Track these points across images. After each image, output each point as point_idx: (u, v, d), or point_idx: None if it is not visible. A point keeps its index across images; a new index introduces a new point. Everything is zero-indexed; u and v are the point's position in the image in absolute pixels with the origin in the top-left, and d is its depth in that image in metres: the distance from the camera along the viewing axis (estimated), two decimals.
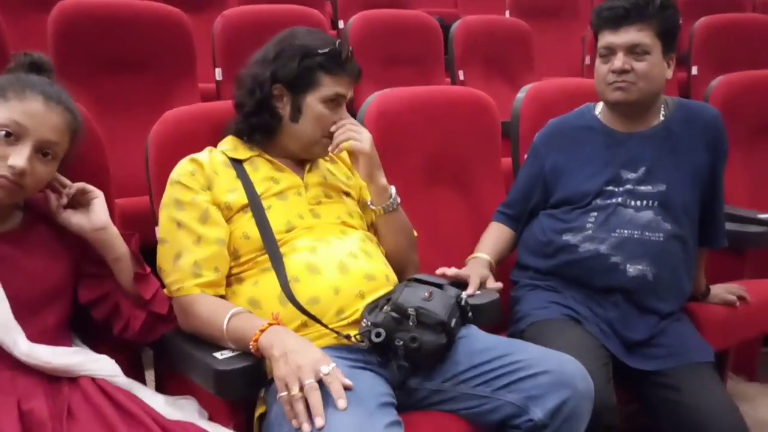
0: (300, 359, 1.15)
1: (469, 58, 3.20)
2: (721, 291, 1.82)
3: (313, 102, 1.46)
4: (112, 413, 1.13)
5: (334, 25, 3.90)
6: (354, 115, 1.92)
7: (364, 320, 1.30)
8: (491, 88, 3.07)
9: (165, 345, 1.35)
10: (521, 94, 2.18)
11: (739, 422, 1.45)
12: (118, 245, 1.29)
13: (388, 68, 2.93)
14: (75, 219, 1.27)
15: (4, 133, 1.16)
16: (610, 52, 1.60)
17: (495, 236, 1.78)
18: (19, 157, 1.16)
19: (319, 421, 1.08)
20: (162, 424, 1.14)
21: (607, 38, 1.60)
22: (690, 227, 1.62)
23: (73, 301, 1.31)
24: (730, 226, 2.17)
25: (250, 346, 1.22)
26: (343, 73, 1.48)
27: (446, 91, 2.06)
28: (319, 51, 1.46)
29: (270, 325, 1.23)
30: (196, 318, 1.32)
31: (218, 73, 2.55)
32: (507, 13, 4.29)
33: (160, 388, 1.45)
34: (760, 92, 2.62)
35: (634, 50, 1.57)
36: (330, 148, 1.46)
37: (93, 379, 1.21)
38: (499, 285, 1.57)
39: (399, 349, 1.27)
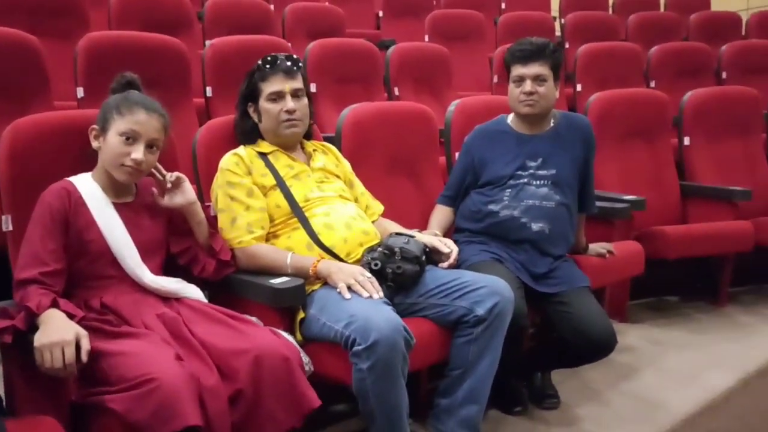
0: (350, 269, 1.86)
1: (402, 77, 3.88)
2: (596, 247, 2.59)
3: (263, 104, 2.09)
4: (216, 314, 1.74)
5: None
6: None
7: (365, 257, 1.96)
8: (421, 102, 3.77)
9: (229, 281, 1.94)
10: (452, 107, 2.90)
11: (608, 323, 2.18)
12: (200, 213, 1.89)
13: (340, 85, 3.56)
14: (176, 199, 1.84)
15: (125, 137, 1.74)
16: (521, 79, 2.33)
17: (439, 216, 2.47)
18: (137, 153, 1.74)
19: (375, 295, 1.78)
20: (248, 319, 1.75)
21: (519, 70, 2.33)
22: (572, 198, 2.37)
23: (167, 251, 1.90)
24: (603, 203, 2.97)
25: (310, 271, 1.87)
26: (273, 75, 2.07)
27: (401, 105, 2.74)
28: (255, 68, 2.10)
29: (321, 258, 1.90)
30: (260, 259, 1.94)
31: (208, 91, 3.15)
32: (426, 37, 5.02)
33: None
34: (626, 105, 3.45)
35: (537, 79, 2.31)
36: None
37: (191, 300, 1.81)
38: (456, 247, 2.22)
39: (389, 275, 1.93)
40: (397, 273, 1.94)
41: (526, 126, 2.41)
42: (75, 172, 1.79)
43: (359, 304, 1.76)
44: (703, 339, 2.98)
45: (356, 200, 2.23)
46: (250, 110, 2.12)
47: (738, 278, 3.45)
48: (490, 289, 1.94)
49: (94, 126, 1.77)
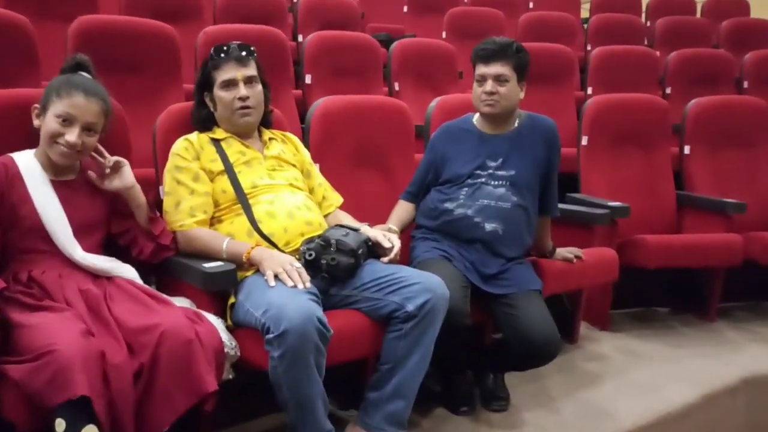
0: (281, 258, 1.88)
1: (403, 73, 3.89)
2: (563, 251, 2.55)
3: (217, 92, 2.12)
4: (139, 294, 1.79)
5: (295, 38, 4.56)
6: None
7: (302, 246, 1.98)
8: (421, 98, 3.78)
9: (167, 263, 2.00)
10: (432, 104, 2.90)
11: (551, 329, 2.15)
12: (139, 197, 1.93)
13: (336, 79, 3.58)
14: (114, 183, 1.89)
15: (61, 119, 1.79)
16: (483, 79, 2.31)
17: (400, 211, 2.47)
18: (71, 135, 1.78)
19: (300, 285, 1.79)
20: (168, 300, 1.79)
21: (481, 69, 2.32)
22: (531, 201, 2.34)
23: (107, 231, 1.96)
24: (584, 208, 2.94)
25: (244, 257, 1.90)
26: (225, 63, 2.10)
27: (373, 99, 2.75)
28: (209, 58, 2.13)
29: (257, 245, 1.93)
30: (199, 242, 1.98)
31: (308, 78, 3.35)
32: (444, 34, 5.01)
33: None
34: (623, 110, 3.38)
35: (499, 78, 2.29)
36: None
37: (123, 279, 1.87)
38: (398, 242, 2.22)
39: (323, 266, 1.95)
40: (332, 264, 1.95)
41: (489, 125, 2.39)
42: (24, 148, 1.86)
43: (279, 292, 1.78)
44: (678, 353, 2.90)
45: (312, 191, 2.25)
46: (206, 99, 2.16)
47: (733, 293, 3.35)
48: (423, 285, 1.93)
49: (36, 105, 1.84)
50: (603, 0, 6.11)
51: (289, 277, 1.83)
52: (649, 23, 6.03)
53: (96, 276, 1.83)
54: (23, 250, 1.79)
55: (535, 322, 2.15)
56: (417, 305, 1.91)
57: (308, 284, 1.84)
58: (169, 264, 2.00)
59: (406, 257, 2.38)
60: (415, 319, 1.91)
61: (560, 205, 2.80)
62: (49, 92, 1.82)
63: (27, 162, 1.82)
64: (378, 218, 2.45)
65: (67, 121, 1.78)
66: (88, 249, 1.85)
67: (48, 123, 1.79)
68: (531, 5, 6.03)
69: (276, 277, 1.84)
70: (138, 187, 1.94)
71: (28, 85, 2.71)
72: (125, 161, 1.92)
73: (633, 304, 3.39)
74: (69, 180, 1.87)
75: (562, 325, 2.30)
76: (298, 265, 1.88)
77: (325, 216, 2.25)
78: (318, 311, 1.74)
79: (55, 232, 1.79)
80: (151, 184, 2.21)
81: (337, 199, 2.32)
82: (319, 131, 2.51)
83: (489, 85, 2.29)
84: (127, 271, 1.90)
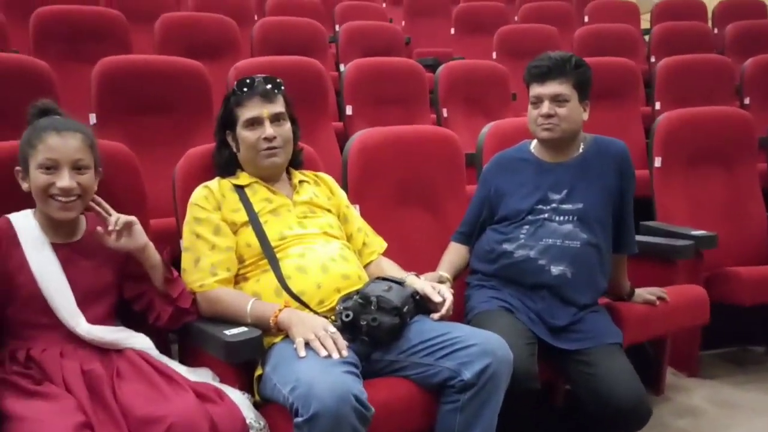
0: (313, 322, 1.61)
1: (451, 98, 3.62)
2: (643, 293, 2.21)
3: (240, 131, 1.88)
4: (150, 371, 1.55)
5: (337, 68, 4.37)
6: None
7: (338, 306, 1.71)
8: (472, 124, 3.50)
9: (187, 329, 1.76)
10: (484, 131, 2.61)
11: (638, 390, 1.82)
12: (153, 257, 1.70)
13: (379, 108, 3.34)
14: (122, 243, 1.64)
15: (45, 168, 1.56)
16: (539, 100, 2.02)
17: (452, 255, 2.18)
18: (62, 180, 1.56)
19: (335, 354, 1.52)
20: (188, 381, 1.55)
21: (536, 89, 2.02)
22: (603, 237, 2.02)
23: (119, 296, 1.73)
24: (664, 240, 2.58)
25: (271, 321, 1.64)
26: (249, 100, 1.87)
27: (416, 129, 2.47)
28: (231, 93, 1.90)
29: (285, 306, 1.67)
30: (220, 305, 1.73)
31: (348, 110, 3.16)
32: (494, 54, 4.74)
33: (182, 361, 1.85)
34: (700, 125, 3.01)
35: (557, 99, 1.99)
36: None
37: (134, 351, 1.63)
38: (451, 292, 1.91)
39: (363, 327, 1.67)
40: (373, 326, 1.67)
41: (548, 152, 2.09)
42: (25, 207, 1.66)
43: (309, 365, 1.51)
44: None
45: (350, 237, 1.99)
46: (228, 139, 1.93)
47: None
48: (482, 348, 1.64)
49: (18, 168, 1.63)
50: (665, 7, 5.74)
51: (322, 345, 1.56)
52: (716, 30, 5.61)
53: (103, 349, 1.60)
54: (22, 323, 1.58)
55: (618, 383, 1.81)
56: (475, 372, 1.61)
57: (345, 352, 1.56)
58: (189, 329, 1.76)
59: (461, 308, 2.08)
60: (474, 389, 1.62)
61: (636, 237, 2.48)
62: (22, 148, 1.61)
63: (24, 223, 1.61)
64: (428, 264, 2.18)
65: (51, 168, 1.57)
66: (95, 318, 1.63)
67: (34, 179, 1.58)
68: (586, 19, 5.70)
69: (308, 344, 1.57)
70: (151, 246, 1.71)
71: None
72: (134, 219, 1.68)
73: (724, 344, 2.99)
74: (73, 242, 1.66)
75: (644, 373, 1.98)
76: (333, 329, 1.61)
77: (367, 265, 1.98)
78: (355, 387, 1.46)
79: (56, 303, 1.57)
80: (172, 237, 1.99)
81: (379, 244, 2.05)
82: (358, 168, 2.26)
83: (546, 107, 1.99)
84: (140, 342, 1.66)
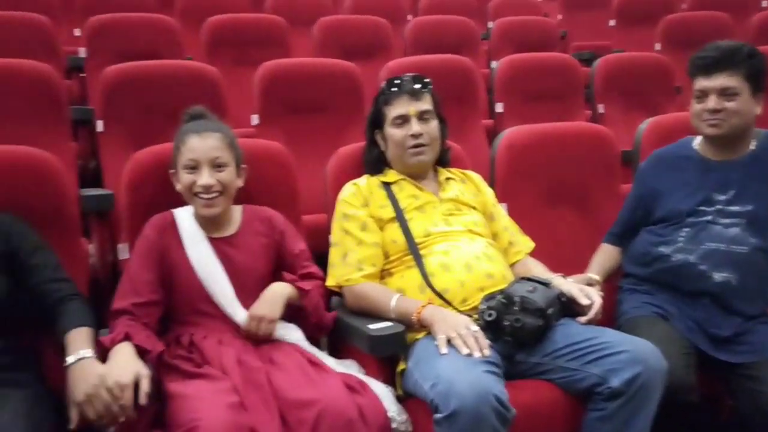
0: (456, 320, 1.62)
1: (609, 93, 3.45)
2: None
3: (388, 129, 1.91)
4: (302, 360, 1.62)
5: (489, 65, 4.32)
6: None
7: (482, 305, 1.70)
8: (631, 120, 3.32)
9: (336, 323, 1.82)
10: (642, 127, 2.47)
11: None
12: (290, 296, 1.74)
13: (530, 105, 3.26)
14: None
15: (189, 168, 1.69)
16: (704, 94, 1.88)
17: (602, 257, 2.09)
18: (202, 178, 1.68)
19: (476, 353, 1.52)
20: (331, 370, 1.61)
21: (701, 83, 1.88)
22: None
23: None
24: None
25: (414, 317, 1.67)
26: (397, 98, 1.89)
27: (567, 126, 2.39)
28: (380, 92, 1.93)
29: (428, 303, 1.69)
30: (365, 300, 1.78)
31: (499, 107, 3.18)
32: (657, 46, 4.47)
33: (331, 353, 1.92)
34: None
35: (725, 92, 1.84)
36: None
37: (286, 342, 1.71)
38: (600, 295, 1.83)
39: (506, 328, 1.65)
40: (516, 326, 1.64)
41: (714, 150, 1.94)
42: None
43: (451, 363, 1.51)
44: None
45: (495, 236, 1.97)
46: (377, 137, 1.98)
47: None
48: (632, 355, 1.56)
49: (171, 170, 1.77)
50: None
51: (464, 343, 1.55)
52: None
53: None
54: (186, 311, 1.71)
55: None
56: (624, 380, 1.53)
57: (487, 352, 1.55)
58: (336, 323, 1.82)
59: (612, 313, 1.99)
60: (622, 398, 1.54)
61: None
62: (173, 152, 1.75)
63: (185, 218, 1.75)
64: (577, 266, 2.10)
65: (193, 168, 1.70)
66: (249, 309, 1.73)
67: (181, 179, 1.72)
68: (765, 3, 5.22)
69: (449, 342, 1.57)
70: (279, 299, 1.73)
71: None
72: (261, 317, 1.69)
73: None
74: (228, 236, 1.77)
75: None
76: (475, 328, 1.60)
77: (512, 265, 1.95)
78: (496, 387, 1.44)
79: (215, 292, 1.69)
80: (322, 232, 2.07)
81: (526, 244, 2.01)
82: (506, 166, 2.22)
83: (712, 102, 1.85)
84: (292, 333, 1.74)
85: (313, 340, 1.85)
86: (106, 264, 2.20)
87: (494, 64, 3.73)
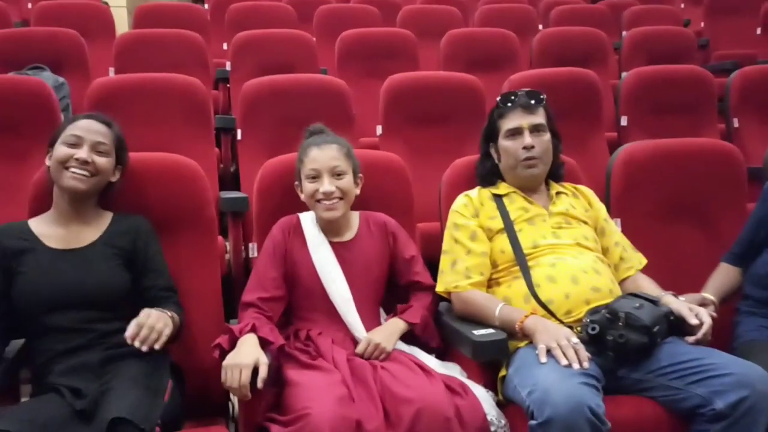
0: (557, 331, 1.67)
1: (745, 106, 3.28)
2: None
3: (502, 141, 1.97)
4: (407, 361, 1.72)
5: (620, 77, 4.24)
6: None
7: (586, 318, 1.73)
8: None
9: (442, 326, 1.92)
10: None
11: None
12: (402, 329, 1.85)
13: (657, 118, 3.18)
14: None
15: (311, 178, 1.85)
16: None
17: (721, 277, 2.03)
18: (323, 185, 1.84)
19: (575, 365, 1.56)
20: (433, 372, 1.69)
21: None
22: None
23: (385, 291, 1.95)
24: None
25: (517, 326, 1.73)
26: (511, 112, 1.96)
27: (690, 142, 2.32)
28: (495, 107, 1.99)
29: (531, 313, 1.74)
30: (472, 306, 1.85)
31: (623, 120, 3.21)
32: None
33: (438, 356, 2.01)
34: None
35: None
36: None
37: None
38: (713, 314, 1.79)
39: (609, 343, 1.67)
40: (619, 342, 1.66)
41: None
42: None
43: (549, 372, 1.56)
44: None
45: (606, 251, 1.98)
46: (491, 150, 2.05)
47: None
48: (739, 378, 1.54)
49: (296, 182, 1.92)
50: None
51: (563, 354, 1.60)
52: None
53: None
54: (305, 308, 1.86)
55: None
56: (729, 403, 1.52)
57: (586, 364, 1.58)
58: (443, 327, 1.91)
59: (729, 335, 1.94)
60: (726, 420, 1.52)
61: None
62: (296, 166, 1.91)
63: (309, 223, 1.90)
64: (696, 285, 2.06)
65: (315, 177, 1.85)
66: (367, 309, 1.86)
67: (305, 189, 1.87)
68: None
69: (549, 352, 1.62)
70: (392, 334, 1.83)
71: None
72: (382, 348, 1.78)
73: None
74: (346, 241, 1.91)
75: None
76: (576, 340, 1.63)
77: (623, 280, 1.95)
78: (592, 399, 1.47)
79: (333, 293, 1.83)
80: (436, 240, 2.16)
81: (638, 260, 2.00)
82: (621, 181, 2.21)
83: None
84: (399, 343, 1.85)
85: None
86: (240, 261, 2.42)
87: (623, 76, 3.67)
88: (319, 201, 1.85)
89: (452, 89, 3.01)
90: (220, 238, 2.26)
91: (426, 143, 2.95)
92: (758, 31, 4.93)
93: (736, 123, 3.28)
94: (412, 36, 3.94)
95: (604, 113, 3.28)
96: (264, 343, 1.67)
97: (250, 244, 2.02)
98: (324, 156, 1.86)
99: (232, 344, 1.66)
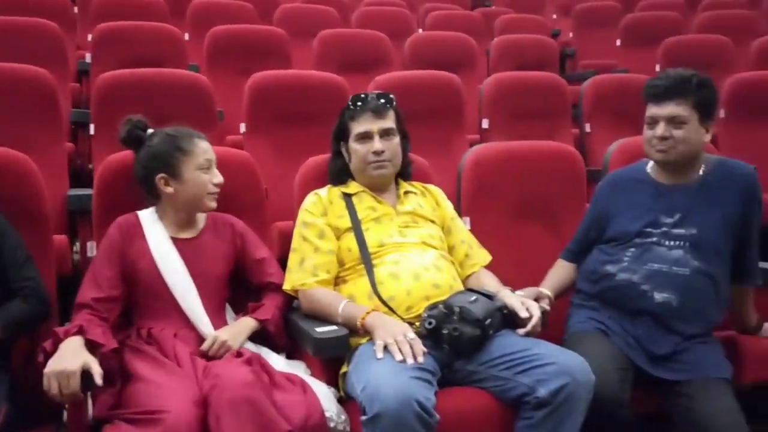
0: (395, 327, 1.70)
1: (597, 113, 3.50)
2: None
3: (352, 144, 2.00)
4: (244, 355, 1.72)
5: None
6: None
7: (424, 313, 1.78)
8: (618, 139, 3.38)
9: (288, 323, 1.92)
10: (612, 148, 2.53)
11: (740, 427, 1.70)
12: (252, 329, 1.84)
13: (516, 123, 3.32)
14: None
15: (205, 169, 1.83)
16: (654, 121, 1.94)
17: (557, 272, 2.14)
18: (216, 177, 1.84)
19: (410, 360, 1.60)
20: (270, 370, 1.69)
21: (652, 110, 1.95)
22: (720, 266, 1.89)
23: (230, 289, 1.93)
24: None
25: (358, 323, 1.75)
26: (361, 115, 1.98)
27: (535, 145, 2.44)
28: (345, 108, 2.02)
29: (373, 310, 1.77)
30: (317, 303, 1.86)
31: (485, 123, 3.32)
32: (657, 67, 4.50)
33: (290, 355, 2.01)
34: None
35: (673, 120, 1.90)
36: None
37: None
38: (545, 307, 1.90)
39: (445, 336, 1.72)
40: (454, 335, 1.72)
41: (665, 174, 2.00)
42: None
43: (381, 368, 1.59)
44: None
45: (452, 249, 2.05)
46: (342, 150, 2.07)
47: None
48: (560, 367, 1.63)
49: (160, 175, 1.84)
50: None
51: (399, 349, 1.63)
52: None
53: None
54: (145, 305, 1.82)
55: (719, 419, 1.71)
56: (550, 390, 1.60)
57: (420, 359, 1.63)
58: (289, 324, 1.91)
59: (563, 327, 2.05)
60: (548, 407, 1.61)
61: None
62: (165, 158, 1.85)
63: (149, 219, 1.85)
64: (542, 279, 2.15)
65: (208, 168, 1.85)
66: (212, 306, 1.84)
67: (195, 179, 1.84)
68: None
69: (386, 348, 1.66)
70: (238, 335, 1.82)
71: None
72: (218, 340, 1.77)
73: None
74: (189, 238, 1.88)
75: None
76: (412, 336, 1.68)
77: (468, 276, 2.03)
78: (421, 393, 1.52)
79: (174, 286, 1.80)
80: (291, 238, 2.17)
81: (483, 257, 2.08)
82: (471, 182, 2.30)
83: (661, 129, 1.91)
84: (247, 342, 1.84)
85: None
86: (87, 260, 2.32)
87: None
88: (211, 193, 1.85)
89: (318, 89, 3.01)
90: (61, 236, 2.17)
91: (292, 142, 2.93)
92: (618, 42, 5.25)
93: (588, 128, 3.49)
94: (285, 35, 3.92)
95: (470, 116, 3.39)
96: (95, 345, 1.61)
97: (88, 243, 1.95)
98: (209, 148, 1.89)
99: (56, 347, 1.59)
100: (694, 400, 1.76)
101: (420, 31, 5.00)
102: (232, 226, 1.94)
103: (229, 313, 1.95)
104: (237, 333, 1.80)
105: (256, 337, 1.86)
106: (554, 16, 6.51)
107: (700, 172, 1.97)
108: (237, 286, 1.96)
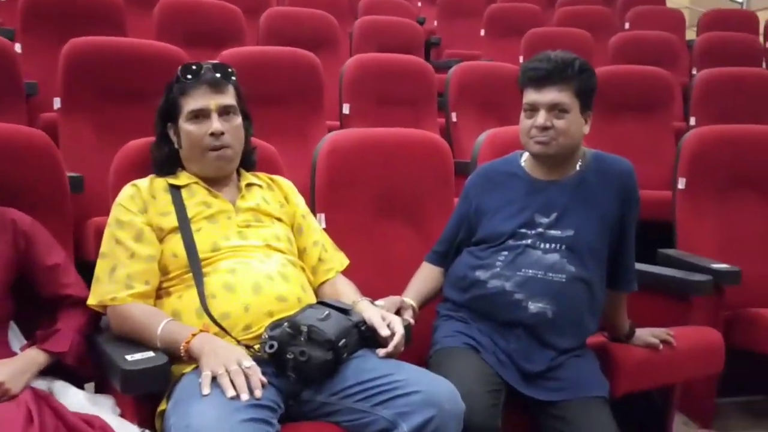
0: (227, 353, 1.36)
1: (463, 102, 3.33)
2: (645, 333, 1.89)
3: (184, 125, 1.64)
4: (29, 398, 1.32)
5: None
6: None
7: (265, 334, 1.46)
8: (484, 131, 3.23)
9: (93, 349, 1.54)
10: (481, 138, 2.33)
11: None
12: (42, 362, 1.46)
13: (380, 109, 3.08)
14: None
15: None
16: (533, 108, 1.72)
17: (422, 277, 1.89)
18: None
19: (244, 395, 1.28)
20: (62, 413, 1.31)
21: (531, 96, 1.73)
22: (596, 271, 1.72)
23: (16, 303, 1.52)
24: (678, 273, 2.26)
25: (181, 348, 1.40)
26: (195, 89, 1.63)
27: (400, 132, 2.19)
28: (175, 80, 1.65)
29: (201, 331, 1.42)
30: (130, 323, 1.50)
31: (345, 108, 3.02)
32: (521, 58, 4.44)
33: (100, 386, 1.63)
34: (736, 145, 2.67)
35: (555, 108, 1.70)
36: None
37: None
38: (409, 320, 1.69)
39: (289, 362, 1.41)
40: (300, 360, 1.41)
41: (541, 169, 1.80)
42: None
43: (207, 407, 1.26)
44: None
45: (303, 252, 1.74)
46: (170, 132, 1.70)
47: None
48: (426, 396, 1.37)
49: None
50: (713, 18, 5.35)
51: (231, 382, 1.30)
52: None
53: None
54: None
55: None
56: (414, 425, 1.35)
57: (258, 393, 1.31)
58: (95, 350, 1.53)
59: (428, 341, 1.81)
60: None
61: (647, 267, 2.18)
62: None
63: None
64: (405, 285, 1.90)
65: None
66: None
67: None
68: (627, 26, 5.34)
69: (215, 380, 1.32)
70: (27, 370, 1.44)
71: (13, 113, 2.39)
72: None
73: (743, 392, 2.63)
74: None
75: (648, 423, 1.77)
76: (249, 364, 1.35)
77: (321, 284, 1.73)
78: None
79: None
80: None
81: (339, 261, 1.79)
82: (327, 173, 2.00)
83: (542, 117, 1.69)
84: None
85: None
86: None
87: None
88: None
89: (151, 61, 2.58)
90: None
91: (118, 123, 2.48)
92: (482, 32, 5.17)
93: (454, 117, 3.30)
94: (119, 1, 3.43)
95: (330, 102, 3.10)
96: None
97: None
98: None
99: None
100: (570, 424, 1.58)
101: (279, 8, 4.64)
102: (14, 223, 1.53)
103: (15, 333, 1.53)
104: (18, 371, 1.40)
105: (51, 367, 1.47)
106: (419, 4, 6.37)
107: (578, 167, 1.78)
108: (26, 299, 1.55)
